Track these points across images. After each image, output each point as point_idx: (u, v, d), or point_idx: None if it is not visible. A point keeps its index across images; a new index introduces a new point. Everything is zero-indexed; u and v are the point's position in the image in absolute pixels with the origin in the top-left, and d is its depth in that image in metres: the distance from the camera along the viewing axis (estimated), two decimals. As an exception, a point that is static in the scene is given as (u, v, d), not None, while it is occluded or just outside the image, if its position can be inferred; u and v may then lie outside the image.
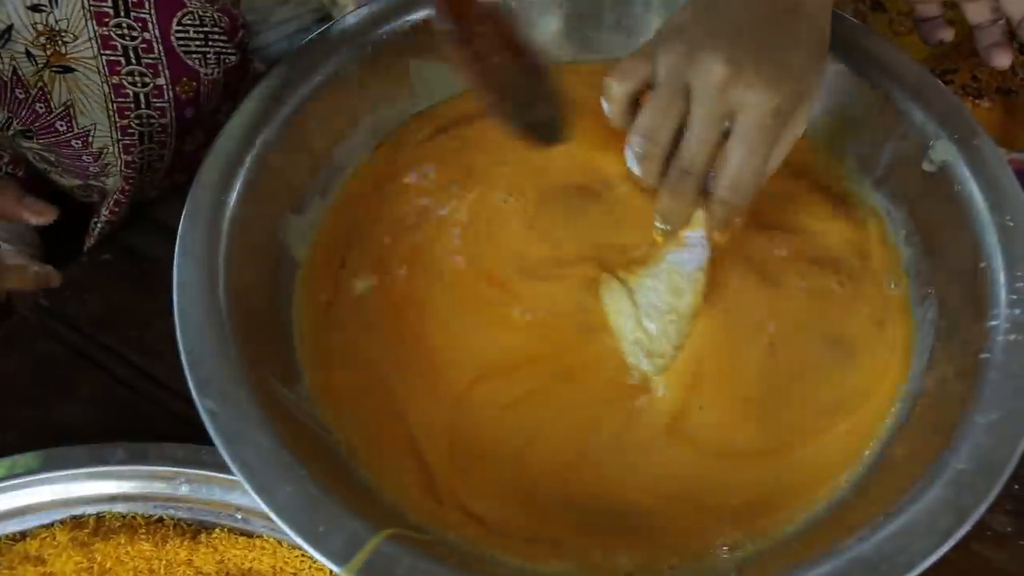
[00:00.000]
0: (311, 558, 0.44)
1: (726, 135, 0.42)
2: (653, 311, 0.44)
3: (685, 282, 0.45)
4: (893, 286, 0.47)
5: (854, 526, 0.38)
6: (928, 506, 0.37)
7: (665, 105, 0.42)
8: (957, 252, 0.47)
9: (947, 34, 0.56)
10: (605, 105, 0.45)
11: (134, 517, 0.45)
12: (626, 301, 0.45)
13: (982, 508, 0.37)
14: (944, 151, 0.49)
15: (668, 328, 0.44)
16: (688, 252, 0.45)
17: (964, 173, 0.48)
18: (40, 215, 0.45)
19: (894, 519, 0.37)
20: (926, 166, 0.49)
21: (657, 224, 0.45)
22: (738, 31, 0.41)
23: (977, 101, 0.60)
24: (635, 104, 0.44)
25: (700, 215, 0.45)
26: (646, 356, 0.44)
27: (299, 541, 0.35)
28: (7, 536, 0.45)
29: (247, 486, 0.37)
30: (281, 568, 0.44)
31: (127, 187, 0.56)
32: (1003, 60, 0.54)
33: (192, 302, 0.42)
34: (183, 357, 0.41)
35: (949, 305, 0.47)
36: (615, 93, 0.44)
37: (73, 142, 0.53)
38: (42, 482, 0.45)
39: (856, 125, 0.52)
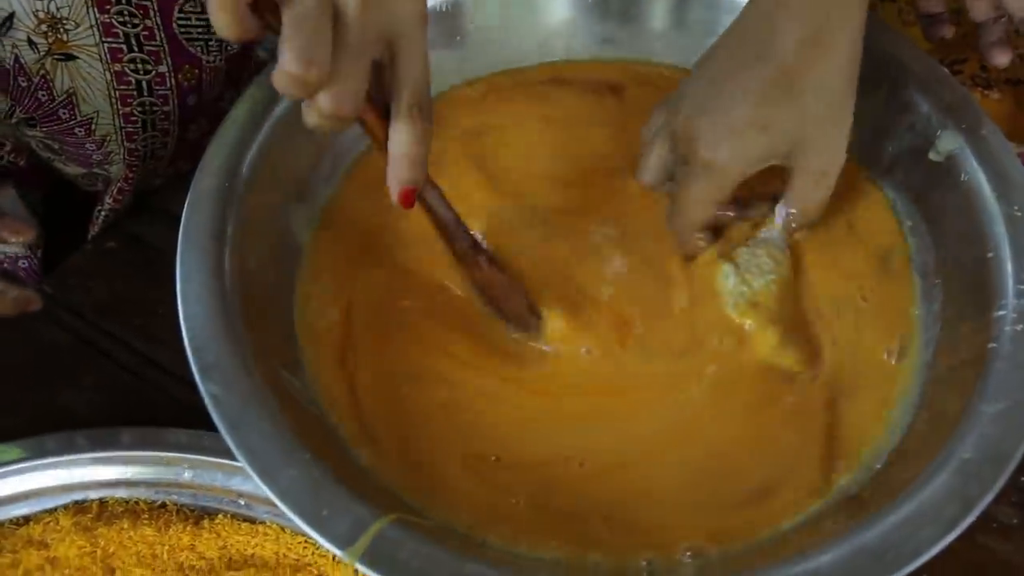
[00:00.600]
0: (314, 544, 0.44)
1: None
2: (756, 269, 0.47)
3: (780, 252, 0.48)
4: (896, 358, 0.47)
5: (859, 515, 0.38)
6: (934, 495, 0.37)
7: (655, 149, 0.48)
8: (964, 242, 0.47)
9: (948, 31, 0.58)
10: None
11: (137, 502, 0.45)
12: (727, 265, 0.47)
13: (988, 497, 0.37)
14: (951, 141, 0.48)
15: (770, 286, 0.46)
16: (773, 232, 0.49)
17: (971, 163, 0.48)
18: (19, 234, 0.45)
19: (900, 508, 0.36)
20: (933, 156, 0.49)
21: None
22: (710, 83, 0.46)
23: (986, 92, 0.59)
24: None
25: (776, 212, 0.49)
26: (751, 307, 0.46)
27: (302, 525, 0.35)
28: (10, 520, 0.45)
29: (250, 470, 0.37)
30: (284, 554, 0.44)
31: (131, 175, 0.56)
32: (1002, 59, 0.55)
33: (195, 288, 0.42)
34: (186, 343, 0.41)
35: (955, 295, 0.46)
36: (642, 138, 0.50)
37: (76, 130, 0.53)
38: (45, 467, 0.45)
39: (863, 115, 0.52)
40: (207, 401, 0.39)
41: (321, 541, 0.35)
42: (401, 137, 0.37)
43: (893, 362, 0.46)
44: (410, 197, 0.39)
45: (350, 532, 0.35)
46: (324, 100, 0.34)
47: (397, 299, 0.47)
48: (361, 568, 0.35)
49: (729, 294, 0.47)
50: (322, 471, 0.37)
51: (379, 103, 0.38)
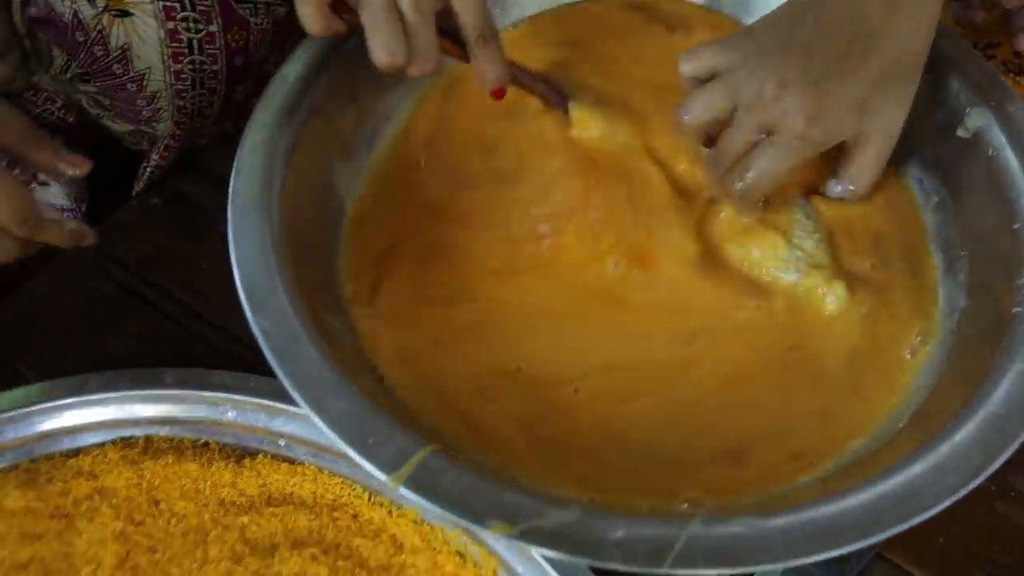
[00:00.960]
0: (351, 485, 0.46)
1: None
2: (803, 232, 0.49)
3: (813, 212, 0.50)
4: (916, 345, 0.47)
5: (881, 469, 0.39)
6: (959, 445, 0.38)
7: (716, 96, 0.48)
8: (990, 215, 0.48)
9: (979, 17, 0.59)
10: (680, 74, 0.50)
11: (181, 441, 0.47)
12: (773, 233, 0.49)
13: (1012, 448, 0.38)
14: (979, 118, 0.50)
15: (820, 244, 0.48)
16: (800, 199, 0.51)
17: (999, 139, 0.49)
18: (76, 167, 0.47)
19: (925, 457, 0.38)
20: (961, 133, 0.50)
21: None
22: (802, 51, 0.45)
23: (1018, 78, 0.60)
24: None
25: (829, 188, 0.51)
26: (813, 268, 0.48)
27: (349, 451, 0.37)
28: (61, 452, 0.47)
29: (299, 399, 0.38)
30: (321, 494, 0.46)
31: (178, 132, 0.58)
32: None
33: (246, 232, 0.44)
34: (238, 282, 0.42)
35: (981, 266, 0.48)
36: (682, 71, 0.50)
37: (128, 85, 0.55)
38: (94, 403, 0.47)
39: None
40: (258, 336, 0.40)
41: (367, 467, 0.37)
42: (477, 62, 0.47)
43: (918, 337, 0.48)
44: (499, 95, 0.49)
45: (394, 460, 0.37)
46: (413, 70, 0.45)
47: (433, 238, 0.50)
48: (405, 494, 0.36)
49: (785, 261, 0.48)
50: (367, 403, 0.39)
51: (452, 33, 0.47)
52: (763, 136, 0.46)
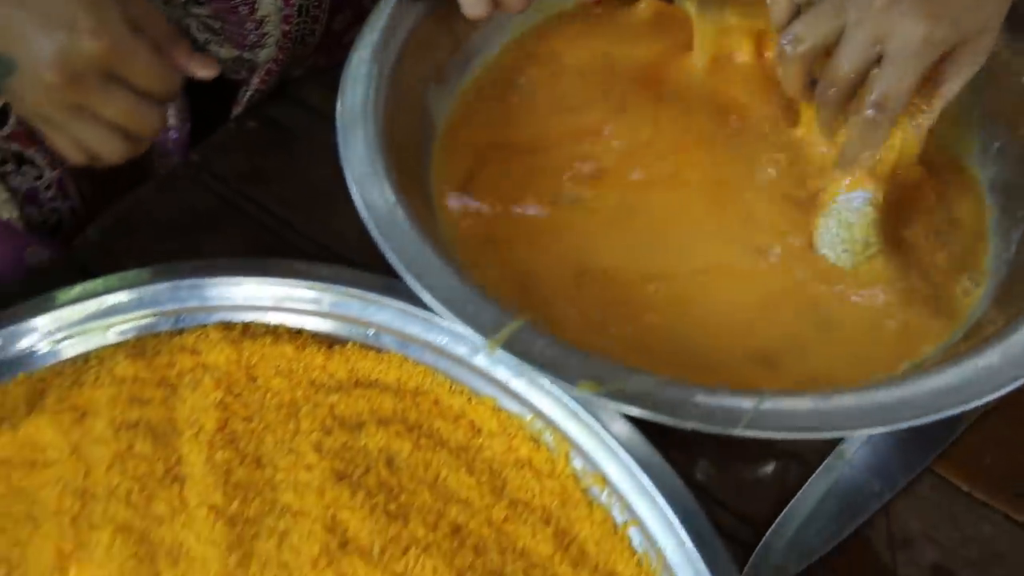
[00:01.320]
0: (432, 373, 0.49)
1: (876, 61, 0.44)
2: (826, 245, 0.50)
3: (854, 216, 0.49)
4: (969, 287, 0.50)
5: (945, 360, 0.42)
6: (1013, 346, 0.41)
7: (821, 17, 0.45)
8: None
9: None
10: (769, 1, 0.48)
11: (277, 327, 0.51)
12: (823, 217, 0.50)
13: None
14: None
15: (842, 257, 0.49)
16: (855, 193, 0.50)
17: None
18: (207, 68, 0.51)
19: (976, 357, 0.41)
20: (1024, 80, 0.53)
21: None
22: None
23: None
24: (797, 12, 0.47)
25: (860, 176, 0.49)
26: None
27: (450, 316, 0.40)
28: (167, 331, 0.51)
29: (402, 272, 0.42)
30: (405, 381, 0.49)
31: (281, 56, 0.62)
32: None
33: (353, 136, 0.48)
34: (349, 179, 0.46)
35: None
36: None
37: (240, 8, 0.59)
38: (197, 286, 0.51)
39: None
40: (367, 221, 0.44)
41: (467, 331, 0.40)
42: None
43: (968, 280, 0.50)
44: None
45: (492, 327, 0.40)
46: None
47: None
48: (501, 356, 0.39)
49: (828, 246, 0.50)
50: (466, 280, 0.42)
51: None
52: (876, 50, 0.44)
